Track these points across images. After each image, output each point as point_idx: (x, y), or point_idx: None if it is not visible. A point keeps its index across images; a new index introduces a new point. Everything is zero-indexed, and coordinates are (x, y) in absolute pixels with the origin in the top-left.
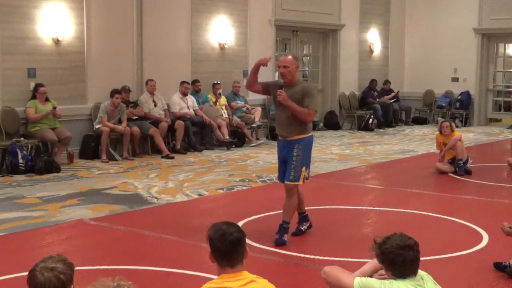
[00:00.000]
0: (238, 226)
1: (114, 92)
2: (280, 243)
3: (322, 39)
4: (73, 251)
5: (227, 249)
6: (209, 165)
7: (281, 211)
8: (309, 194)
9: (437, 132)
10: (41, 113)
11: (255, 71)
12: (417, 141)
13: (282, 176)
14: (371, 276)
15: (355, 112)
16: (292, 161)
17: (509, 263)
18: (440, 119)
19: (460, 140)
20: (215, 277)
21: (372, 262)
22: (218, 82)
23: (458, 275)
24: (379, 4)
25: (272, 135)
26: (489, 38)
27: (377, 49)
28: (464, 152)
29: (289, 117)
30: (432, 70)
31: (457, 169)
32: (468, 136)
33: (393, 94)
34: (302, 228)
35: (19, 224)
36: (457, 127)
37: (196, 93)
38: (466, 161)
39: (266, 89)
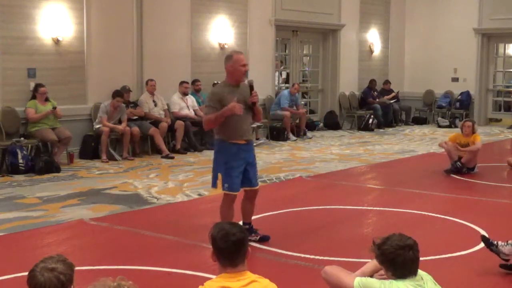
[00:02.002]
0: (241, 226)
1: (116, 95)
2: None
3: (322, 39)
4: (73, 251)
5: (230, 249)
6: (209, 165)
7: (281, 211)
8: (309, 194)
9: (454, 133)
10: (41, 113)
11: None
12: (417, 141)
13: (242, 183)
14: (371, 276)
15: (355, 112)
16: (255, 164)
17: (497, 243)
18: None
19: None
20: (215, 277)
21: (372, 262)
22: (218, 82)
23: (458, 275)
24: (379, 4)
25: (272, 135)
26: (489, 38)
27: (377, 49)
28: (474, 161)
29: (249, 119)
30: (432, 70)
31: (452, 165)
32: None
33: (393, 94)
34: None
35: (19, 224)
36: (456, 127)
37: (196, 92)
38: (473, 168)
39: (220, 105)
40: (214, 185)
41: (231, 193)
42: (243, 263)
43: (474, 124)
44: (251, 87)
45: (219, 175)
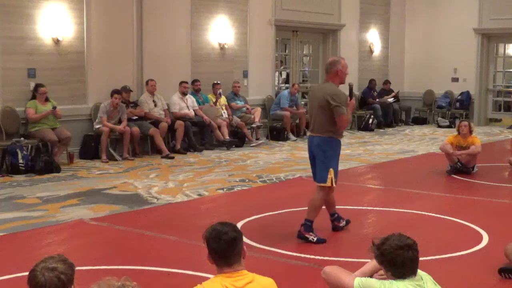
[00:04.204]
0: (234, 226)
1: (113, 92)
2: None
3: (322, 39)
4: (73, 251)
5: (222, 248)
6: (209, 165)
7: (281, 211)
8: (309, 194)
9: (452, 135)
10: (41, 113)
11: None
12: (417, 141)
13: None
14: (371, 276)
15: (355, 112)
16: None
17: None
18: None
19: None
20: (212, 276)
21: (372, 262)
22: (218, 82)
23: (458, 275)
24: (379, 4)
25: (272, 135)
26: (489, 38)
27: (377, 49)
28: (473, 161)
29: None
30: (432, 70)
31: (452, 165)
32: None
33: (393, 94)
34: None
35: (19, 224)
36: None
37: (195, 92)
38: (472, 168)
39: None
40: (323, 180)
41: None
42: (239, 262)
43: (471, 123)
44: (351, 90)
45: (332, 170)
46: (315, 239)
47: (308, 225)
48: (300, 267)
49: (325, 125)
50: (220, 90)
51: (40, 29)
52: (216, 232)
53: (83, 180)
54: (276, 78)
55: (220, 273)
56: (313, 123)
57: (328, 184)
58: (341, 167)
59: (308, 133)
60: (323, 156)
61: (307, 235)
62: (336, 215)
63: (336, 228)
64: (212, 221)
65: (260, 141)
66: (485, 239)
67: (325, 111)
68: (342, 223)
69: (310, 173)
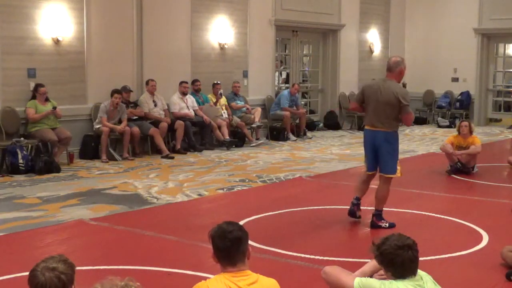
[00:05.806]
0: (240, 226)
1: (113, 92)
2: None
3: (322, 39)
4: (73, 251)
5: (227, 247)
6: (209, 165)
7: (281, 211)
8: (310, 194)
9: (452, 135)
10: (41, 113)
11: None
12: (417, 141)
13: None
14: (371, 276)
15: (355, 112)
16: None
17: None
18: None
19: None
20: (216, 275)
21: (372, 262)
22: (218, 82)
23: (458, 275)
24: (379, 4)
25: (272, 135)
26: (489, 38)
27: (377, 49)
28: (473, 161)
29: None
30: (432, 70)
31: (452, 165)
32: None
33: None
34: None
35: (19, 224)
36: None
37: (195, 92)
38: (472, 168)
39: None
40: (393, 172)
41: None
42: (243, 262)
43: (471, 123)
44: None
45: (399, 162)
46: (387, 224)
47: (379, 215)
48: (300, 267)
49: (393, 121)
50: (221, 90)
51: (40, 29)
52: (222, 231)
53: (83, 180)
54: (276, 78)
55: (224, 272)
56: (376, 118)
57: (398, 174)
58: (341, 167)
59: (365, 127)
60: (392, 150)
61: (380, 223)
62: (360, 202)
63: (352, 213)
64: (212, 221)
65: (260, 141)
66: (485, 239)
67: (394, 108)
68: (359, 213)
69: (310, 173)
